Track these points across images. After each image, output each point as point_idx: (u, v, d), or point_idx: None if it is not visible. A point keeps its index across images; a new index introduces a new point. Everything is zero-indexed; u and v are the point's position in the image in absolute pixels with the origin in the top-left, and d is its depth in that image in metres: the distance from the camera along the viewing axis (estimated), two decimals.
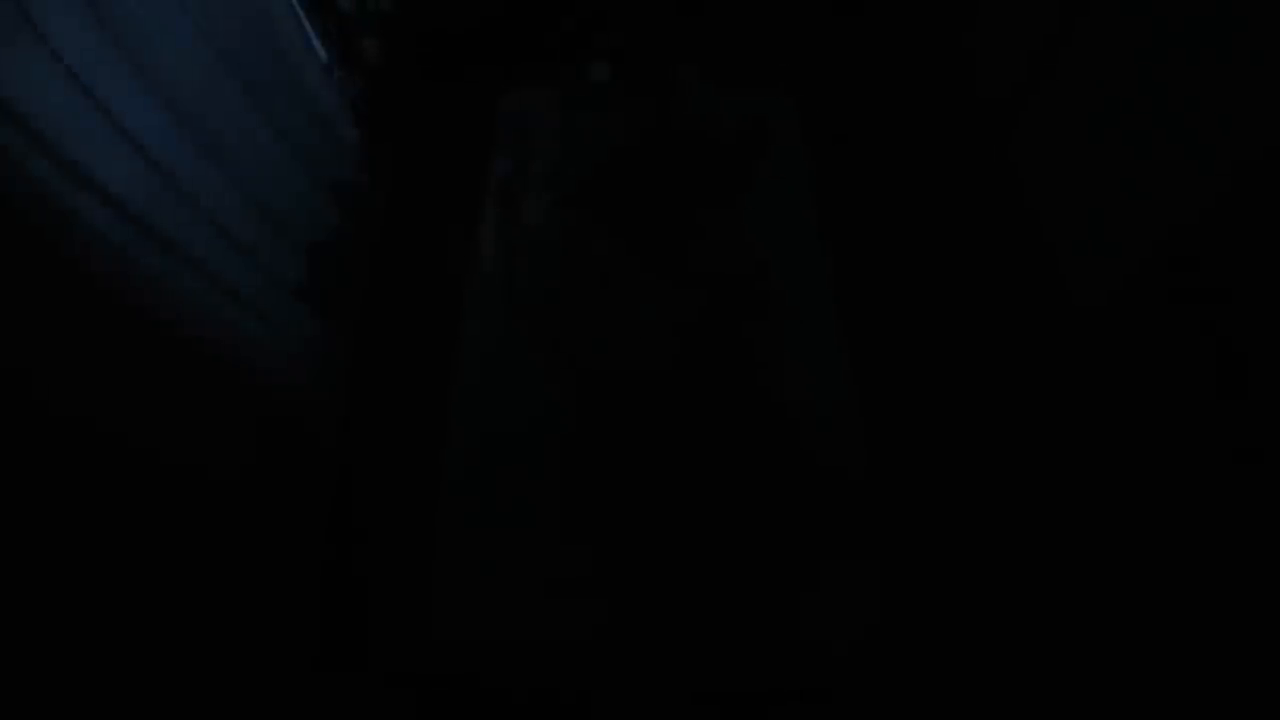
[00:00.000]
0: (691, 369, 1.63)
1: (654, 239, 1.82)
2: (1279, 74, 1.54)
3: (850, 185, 2.46)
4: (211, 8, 1.51)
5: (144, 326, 1.25)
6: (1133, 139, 2.02)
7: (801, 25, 3.09)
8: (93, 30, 1.22)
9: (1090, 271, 2.21)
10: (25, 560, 1.05)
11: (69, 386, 1.13)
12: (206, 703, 1.38)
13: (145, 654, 1.26)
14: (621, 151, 1.96)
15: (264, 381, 1.60)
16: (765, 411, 1.64)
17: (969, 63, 2.89)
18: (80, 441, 1.16)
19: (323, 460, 2.02)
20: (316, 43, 2.10)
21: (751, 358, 1.73)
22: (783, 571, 1.44)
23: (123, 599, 1.22)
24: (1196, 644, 1.11)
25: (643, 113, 2.11)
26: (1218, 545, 1.25)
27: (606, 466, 1.54)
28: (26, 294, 1.05)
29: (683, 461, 1.51)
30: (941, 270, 2.39)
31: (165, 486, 1.36)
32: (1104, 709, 1.25)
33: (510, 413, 1.64)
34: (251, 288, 1.57)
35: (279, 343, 1.68)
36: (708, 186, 2.03)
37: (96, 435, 1.18)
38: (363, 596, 1.89)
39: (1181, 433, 1.97)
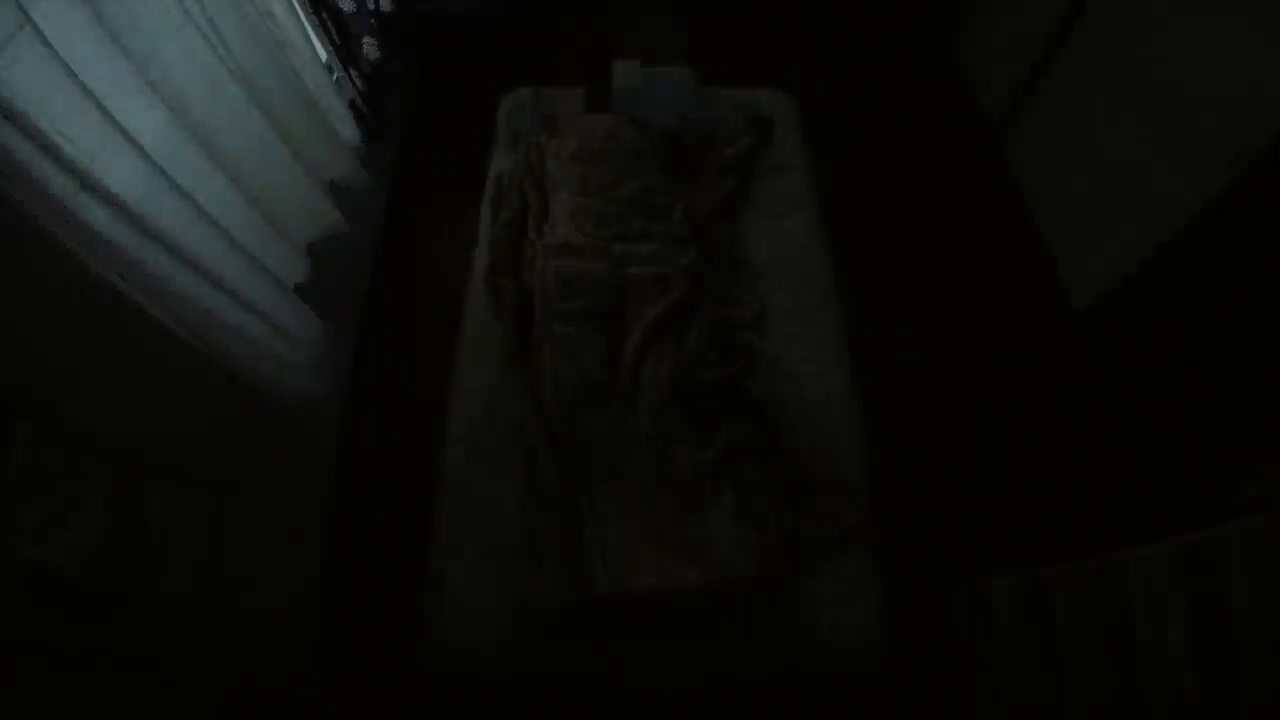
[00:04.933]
0: (691, 369, 1.63)
1: (654, 237, 1.82)
2: (1273, 77, 1.54)
3: (850, 186, 2.46)
4: (212, 8, 1.51)
5: (144, 326, 1.25)
6: (1129, 141, 2.02)
7: (802, 27, 3.09)
8: (93, 30, 1.22)
9: (1087, 272, 2.21)
10: (22, 560, 1.06)
11: (69, 386, 1.13)
12: (206, 701, 1.38)
13: (144, 653, 1.26)
14: (621, 150, 1.96)
15: (264, 381, 1.60)
16: (764, 410, 1.64)
17: (967, 65, 2.90)
18: (80, 441, 1.16)
19: (323, 460, 2.02)
20: (316, 43, 2.10)
21: (751, 357, 1.73)
22: (782, 569, 1.44)
23: (120, 598, 1.22)
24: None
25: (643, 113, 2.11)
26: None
27: (605, 464, 1.54)
28: (27, 294, 1.05)
29: (682, 460, 1.51)
30: (940, 270, 2.40)
31: (164, 486, 1.36)
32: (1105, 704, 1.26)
33: (509, 413, 1.64)
34: (251, 288, 1.57)
35: (279, 343, 1.68)
36: (709, 185, 2.03)
37: (96, 434, 1.18)
38: (361, 596, 1.89)
39: (1179, 431, 1.97)
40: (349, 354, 2.20)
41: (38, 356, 1.07)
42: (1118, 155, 2.08)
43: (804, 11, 3.10)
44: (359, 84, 2.34)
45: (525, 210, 1.95)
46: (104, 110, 1.17)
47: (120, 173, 1.23)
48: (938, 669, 1.73)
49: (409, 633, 1.49)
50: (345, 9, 2.21)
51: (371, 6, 2.34)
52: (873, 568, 1.50)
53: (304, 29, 2.00)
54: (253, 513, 1.56)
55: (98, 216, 1.15)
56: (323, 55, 2.16)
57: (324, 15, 2.12)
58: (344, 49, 2.25)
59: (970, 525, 1.89)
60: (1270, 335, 1.90)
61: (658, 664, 1.44)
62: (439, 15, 2.90)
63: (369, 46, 2.37)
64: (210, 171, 1.52)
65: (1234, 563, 1.00)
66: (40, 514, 1.08)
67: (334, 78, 2.20)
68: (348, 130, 2.25)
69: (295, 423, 1.77)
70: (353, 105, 2.32)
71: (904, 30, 2.97)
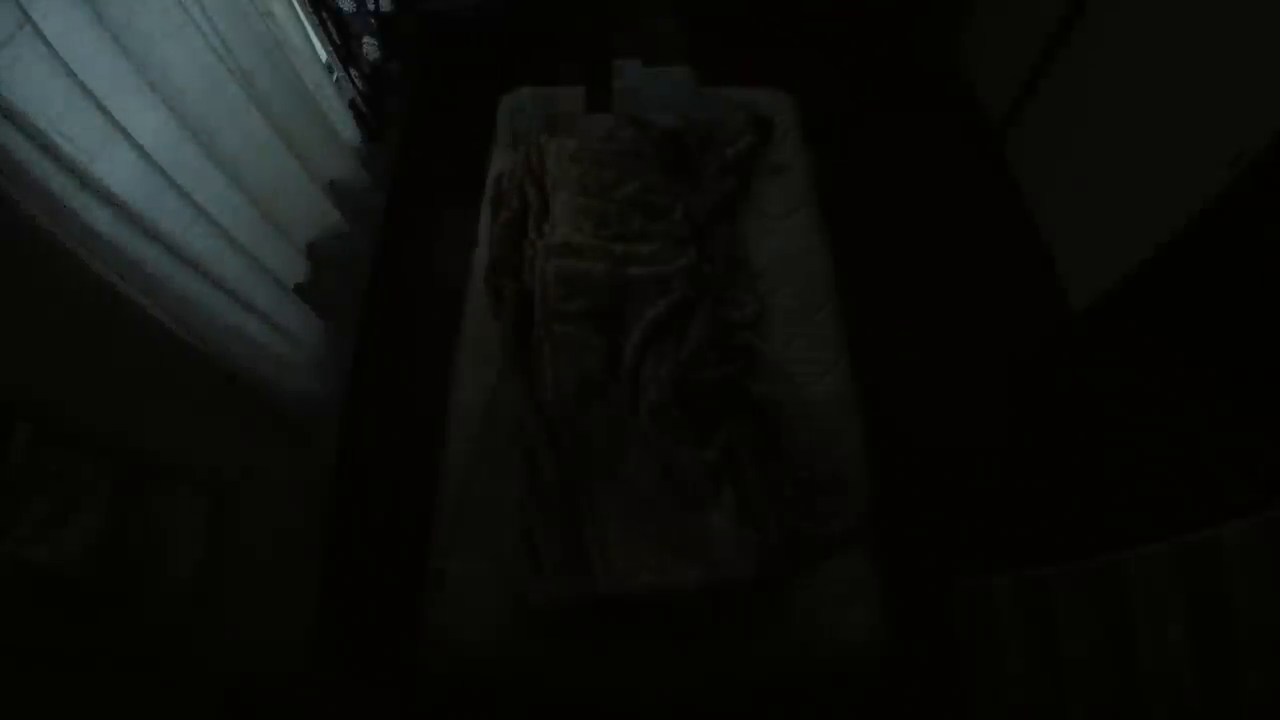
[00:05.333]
0: (691, 369, 1.63)
1: (654, 238, 1.82)
2: (1273, 77, 1.54)
3: (850, 186, 2.46)
4: (211, 8, 1.51)
5: (144, 326, 1.25)
6: (1129, 141, 2.02)
7: (802, 26, 3.09)
8: (93, 30, 1.22)
9: (1087, 272, 2.21)
10: (22, 560, 1.06)
11: (69, 386, 1.13)
12: (206, 701, 1.38)
13: (144, 653, 1.26)
14: (621, 150, 1.96)
15: (264, 381, 1.60)
16: (764, 410, 1.64)
17: (968, 65, 2.90)
18: (80, 441, 1.16)
19: (323, 460, 2.02)
20: (316, 43, 2.10)
21: (751, 357, 1.73)
22: (782, 569, 1.44)
23: (120, 598, 1.22)
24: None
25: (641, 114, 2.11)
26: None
27: (606, 465, 1.54)
28: (27, 294, 1.05)
29: (682, 460, 1.51)
30: (940, 271, 2.39)
31: (164, 486, 1.36)
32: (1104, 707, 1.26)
33: (509, 413, 1.64)
34: (251, 288, 1.57)
35: (279, 343, 1.68)
36: (709, 185, 2.03)
37: (96, 434, 1.18)
38: (361, 596, 1.89)
39: (1178, 431, 1.97)
40: (349, 354, 2.19)
41: (38, 356, 1.07)
42: (1118, 155, 2.08)
43: (804, 11, 3.11)
44: (359, 84, 2.34)
45: (525, 210, 1.95)
46: (104, 110, 1.17)
47: (120, 173, 1.22)
48: (938, 669, 1.73)
49: (409, 633, 1.49)
50: (345, 9, 2.21)
51: (371, 6, 2.34)
52: (873, 568, 1.50)
53: (304, 29, 2.00)
54: (253, 513, 1.56)
55: (98, 216, 1.15)
56: (323, 55, 2.16)
57: (324, 15, 2.12)
58: (344, 49, 2.24)
59: (970, 525, 1.89)
60: (1271, 335, 1.90)
61: (658, 664, 1.44)
62: (439, 15, 2.90)
63: (369, 46, 2.37)
64: (210, 171, 1.52)
65: (1234, 563, 1.00)
66: (40, 514, 1.07)
67: (334, 78, 2.19)
68: (348, 130, 2.25)
69: (295, 423, 1.77)
70: (353, 105, 2.32)
71: (904, 30, 2.97)
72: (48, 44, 1.07)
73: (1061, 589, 1.35)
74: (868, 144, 2.72)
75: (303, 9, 2.01)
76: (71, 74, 1.11)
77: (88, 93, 1.14)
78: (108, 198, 1.17)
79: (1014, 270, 2.39)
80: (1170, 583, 1.10)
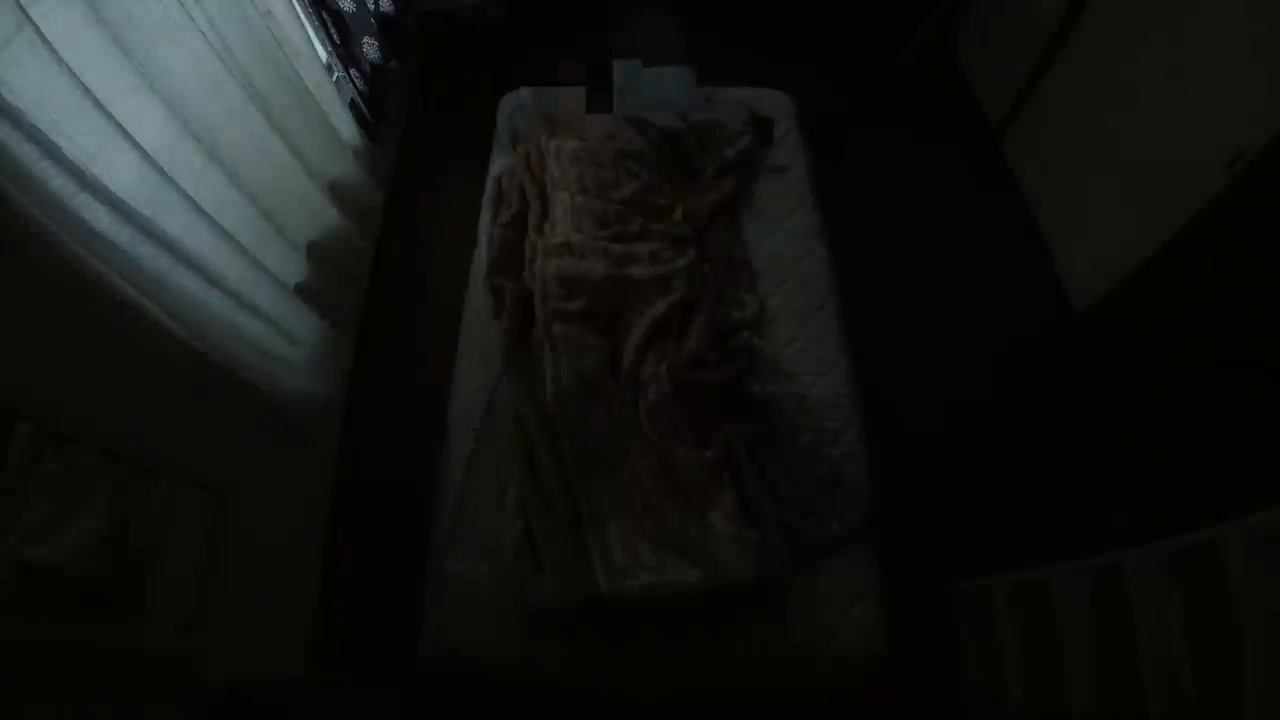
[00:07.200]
0: (691, 369, 1.63)
1: (654, 238, 1.82)
2: (1273, 77, 1.54)
3: (850, 186, 2.46)
4: (211, 8, 1.51)
5: (144, 326, 1.25)
6: (1129, 141, 2.02)
7: (802, 26, 3.09)
8: (93, 30, 1.22)
9: (1087, 272, 2.21)
10: (22, 560, 1.06)
11: (69, 386, 1.12)
12: (206, 701, 1.38)
13: (144, 653, 1.26)
14: (621, 150, 1.96)
15: (263, 381, 1.60)
16: (764, 410, 1.64)
17: (967, 65, 2.89)
18: (80, 441, 1.16)
19: (323, 460, 2.02)
20: (316, 43, 2.10)
21: (751, 357, 1.73)
22: (782, 569, 1.44)
23: (120, 599, 1.21)
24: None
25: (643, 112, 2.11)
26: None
27: (605, 464, 1.54)
28: (27, 294, 1.05)
29: (682, 460, 1.51)
30: (940, 271, 2.39)
31: (164, 486, 1.35)
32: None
33: (509, 413, 1.64)
34: (251, 288, 1.57)
35: (279, 343, 1.68)
36: (709, 185, 2.03)
37: (96, 434, 1.18)
38: (361, 596, 1.89)
39: (1179, 431, 1.97)
40: (349, 354, 2.19)
41: (38, 356, 1.07)
42: (1117, 155, 2.08)
43: (804, 11, 3.11)
44: (359, 84, 2.34)
45: (525, 210, 1.95)
46: (104, 110, 1.17)
47: (120, 173, 1.22)
48: (938, 669, 1.73)
49: (409, 633, 1.49)
50: (345, 9, 2.20)
51: (371, 6, 2.34)
52: (873, 568, 1.50)
53: (304, 29, 2.00)
54: (253, 513, 1.56)
55: (98, 216, 1.15)
56: (323, 55, 2.16)
57: (324, 15, 2.12)
58: (344, 49, 2.24)
59: (970, 525, 1.89)
60: (1271, 335, 1.89)
61: (658, 665, 1.44)
62: (439, 15, 2.90)
63: (369, 46, 2.37)
64: (210, 171, 1.52)
65: (1234, 563, 1.00)
66: (40, 514, 1.07)
67: (334, 78, 2.19)
68: (348, 130, 2.25)
69: (295, 423, 1.77)
70: (353, 105, 2.32)
71: (904, 29, 2.97)
72: (48, 44, 1.07)
73: (1061, 589, 1.35)
74: (868, 143, 2.72)
75: (303, 9, 2.00)
76: (72, 74, 1.11)
77: (88, 93, 1.14)
78: (108, 198, 1.17)
79: (1014, 271, 2.39)
80: (1170, 582, 1.10)
